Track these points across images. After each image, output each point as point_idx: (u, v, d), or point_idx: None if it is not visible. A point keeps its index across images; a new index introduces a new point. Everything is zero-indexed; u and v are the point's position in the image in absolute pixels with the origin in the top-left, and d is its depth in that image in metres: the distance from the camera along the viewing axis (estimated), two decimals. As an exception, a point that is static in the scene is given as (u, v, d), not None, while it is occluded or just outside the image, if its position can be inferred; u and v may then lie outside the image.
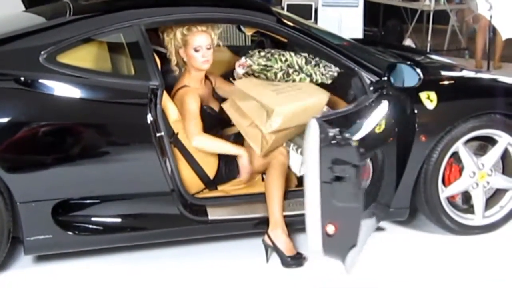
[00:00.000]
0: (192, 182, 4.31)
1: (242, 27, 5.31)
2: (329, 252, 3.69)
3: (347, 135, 3.61)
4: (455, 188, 4.53)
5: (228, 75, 4.77)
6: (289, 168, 4.37)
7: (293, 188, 4.43)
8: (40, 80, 3.94)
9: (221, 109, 4.49)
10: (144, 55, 4.13)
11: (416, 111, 4.32)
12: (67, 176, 3.95)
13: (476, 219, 4.60)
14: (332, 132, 3.58)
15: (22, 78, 3.92)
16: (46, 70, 3.97)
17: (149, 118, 3.98)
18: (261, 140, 4.26)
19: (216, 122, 4.52)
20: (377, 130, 3.93)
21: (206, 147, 4.30)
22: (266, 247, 4.24)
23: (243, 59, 4.52)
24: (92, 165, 4.00)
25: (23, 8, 7.64)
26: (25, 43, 4.12)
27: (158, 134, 4.02)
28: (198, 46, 4.29)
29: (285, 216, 4.22)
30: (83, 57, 4.14)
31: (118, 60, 4.27)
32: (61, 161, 3.94)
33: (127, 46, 4.20)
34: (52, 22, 4.41)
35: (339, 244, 3.67)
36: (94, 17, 4.34)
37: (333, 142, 3.57)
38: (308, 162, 3.60)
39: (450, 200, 4.57)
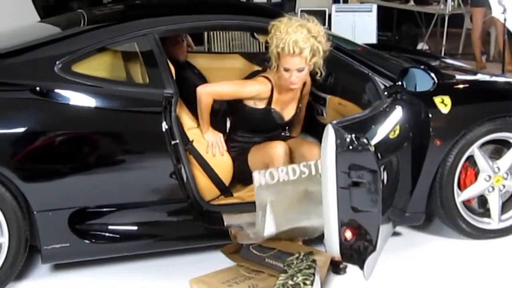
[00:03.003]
0: (207, 189, 4.32)
1: (255, 34, 5.32)
2: (347, 257, 3.69)
3: (364, 140, 3.61)
4: (471, 192, 4.52)
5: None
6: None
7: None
8: (56, 90, 3.96)
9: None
10: (158, 63, 4.15)
11: (430, 116, 4.31)
12: (84, 185, 3.97)
13: (492, 223, 4.58)
14: (349, 137, 3.58)
15: (38, 88, 3.94)
16: (61, 80, 4.00)
17: (164, 126, 4.00)
18: None
19: (270, 126, 4.58)
20: (391, 135, 3.94)
21: (200, 102, 4.37)
22: None
23: None
24: (108, 174, 4.02)
25: (38, 19, 7.70)
26: (40, 53, 4.15)
27: (173, 142, 4.03)
28: (287, 68, 4.24)
29: None
30: (97, 66, 4.17)
31: (132, 69, 4.30)
32: (77, 170, 3.96)
33: (141, 55, 4.23)
34: (66, 32, 4.45)
35: (357, 250, 3.67)
36: (108, 26, 4.38)
37: (350, 147, 3.57)
38: (325, 168, 3.61)
39: (466, 204, 4.55)
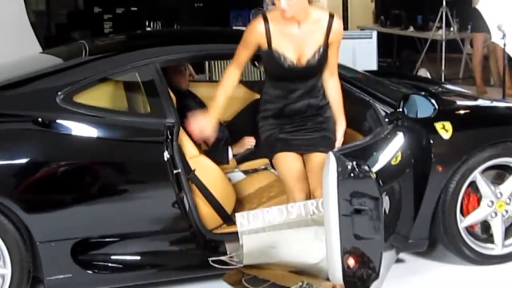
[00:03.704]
0: (210, 218, 4.31)
1: (256, 62, 5.34)
2: (351, 285, 3.68)
3: (365, 167, 3.61)
4: (474, 218, 4.51)
5: (244, 111, 4.79)
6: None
7: None
8: (58, 121, 3.98)
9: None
10: (159, 93, 4.17)
11: (432, 142, 4.32)
12: (86, 215, 3.97)
13: (496, 248, 4.57)
14: (350, 165, 3.59)
15: (40, 119, 3.96)
16: (63, 111, 4.02)
17: (166, 155, 4.00)
18: None
19: (282, 72, 4.18)
20: (393, 162, 3.94)
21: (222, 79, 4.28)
22: None
23: None
24: (110, 204, 4.02)
25: (40, 49, 7.74)
26: (42, 84, 4.18)
27: (175, 171, 4.03)
28: None
29: None
30: (99, 96, 4.19)
31: (134, 99, 4.31)
32: (80, 200, 3.96)
33: (142, 85, 4.25)
34: (68, 62, 4.48)
35: (361, 277, 3.66)
36: (110, 57, 4.41)
37: (351, 175, 3.57)
38: (327, 196, 3.61)
39: (469, 230, 4.54)
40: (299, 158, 4.22)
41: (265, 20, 4.09)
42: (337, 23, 4.15)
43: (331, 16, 4.14)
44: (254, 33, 4.12)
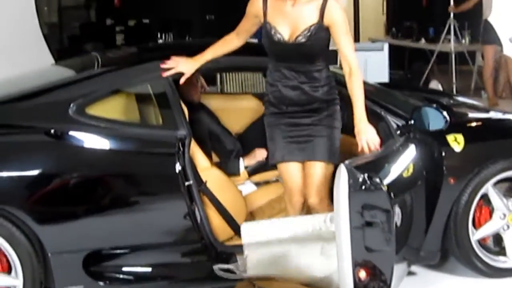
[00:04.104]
0: (221, 230, 4.31)
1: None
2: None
3: (377, 180, 3.61)
4: (486, 231, 4.49)
5: (256, 123, 4.79)
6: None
7: None
8: (70, 132, 4.00)
9: None
10: (171, 105, 4.18)
11: (443, 154, 4.31)
12: (98, 227, 3.98)
13: (508, 261, 4.54)
14: (361, 177, 3.58)
15: (52, 131, 3.98)
16: (76, 122, 4.03)
17: (178, 167, 4.01)
18: None
19: (278, 50, 4.12)
20: (405, 175, 3.93)
21: None
22: None
23: None
24: (122, 215, 4.03)
25: (53, 62, 7.77)
26: (55, 96, 4.19)
27: (187, 183, 4.04)
28: None
29: None
30: (111, 108, 4.20)
31: (146, 111, 4.32)
32: (92, 212, 3.97)
33: (154, 97, 4.26)
34: (81, 74, 4.50)
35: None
36: (122, 69, 4.42)
37: (363, 187, 3.57)
38: (338, 208, 3.60)
39: (481, 242, 4.53)
40: (299, 167, 4.22)
41: None
42: (332, 4, 4.02)
43: None
44: (253, 4, 4.15)
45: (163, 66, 4.22)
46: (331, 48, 4.13)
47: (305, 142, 4.16)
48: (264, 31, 4.11)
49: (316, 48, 4.07)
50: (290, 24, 4.04)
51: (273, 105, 4.20)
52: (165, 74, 4.22)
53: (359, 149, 3.98)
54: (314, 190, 4.13)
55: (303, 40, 4.01)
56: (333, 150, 4.16)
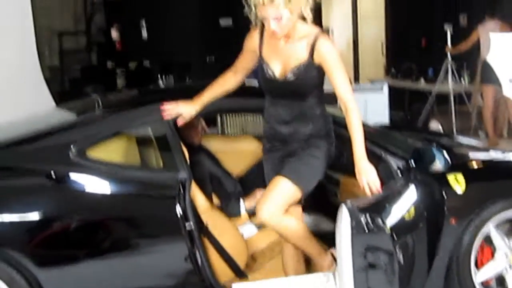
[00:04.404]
0: (222, 272, 4.30)
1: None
2: None
3: (379, 221, 3.60)
4: (488, 272, 4.46)
5: (256, 165, 4.78)
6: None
7: None
8: (71, 175, 4.00)
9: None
10: (172, 147, 4.19)
11: (444, 194, 4.30)
12: (99, 270, 3.97)
13: (512, 302, 4.52)
14: (364, 218, 3.58)
15: (53, 174, 3.98)
16: (76, 165, 4.04)
17: (178, 210, 4.01)
18: None
19: (272, 87, 4.13)
20: (407, 217, 3.92)
21: None
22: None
23: None
24: (123, 258, 4.01)
25: (54, 104, 7.80)
26: (56, 139, 4.21)
27: (187, 226, 4.03)
28: (263, 17, 3.92)
29: None
30: (112, 151, 4.21)
31: (146, 153, 4.34)
32: (92, 255, 3.96)
33: (155, 139, 4.27)
34: (81, 117, 4.52)
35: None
36: (123, 111, 4.44)
37: (365, 229, 3.56)
38: (340, 250, 3.59)
39: (485, 284, 4.50)
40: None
41: (262, 29, 4.09)
42: (322, 42, 3.96)
43: (318, 34, 3.98)
44: (250, 39, 4.17)
45: (162, 108, 4.23)
46: (327, 89, 4.13)
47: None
48: (259, 67, 4.14)
49: (306, 85, 4.04)
50: (282, 60, 4.05)
51: (268, 141, 4.23)
52: (166, 116, 4.24)
53: (361, 188, 3.96)
54: (265, 203, 4.01)
55: (292, 77, 4.01)
56: (304, 175, 4.08)
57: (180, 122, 4.27)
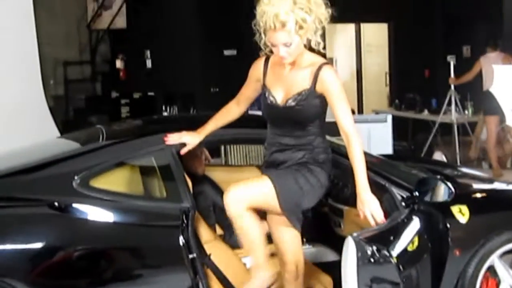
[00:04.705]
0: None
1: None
2: None
3: (385, 252, 3.59)
4: (494, 303, 4.45)
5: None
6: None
7: None
8: (74, 205, 3.99)
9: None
10: (175, 177, 4.19)
11: (448, 226, 4.29)
12: (101, 300, 3.95)
13: (517, 335, 4.48)
14: (370, 249, 3.56)
15: (56, 203, 3.97)
16: (79, 195, 4.03)
17: (181, 240, 3.99)
18: None
19: (274, 115, 4.09)
20: (410, 248, 3.90)
21: None
22: None
23: None
24: (125, 288, 4.00)
25: (58, 134, 7.82)
26: (59, 168, 4.21)
27: (190, 256, 4.01)
28: (273, 43, 3.87)
29: None
30: (115, 180, 4.21)
31: (150, 183, 4.33)
32: (95, 285, 3.95)
33: (158, 169, 4.27)
34: (85, 147, 4.52)
35: None
36: (126, 141, 4.44)
37: (371, 260, 3.55)
38: (346, 282, 3.57)
39: (490, 315, 4.48)
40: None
41: (267, 58, 4.10)
42: (326, 71, 3.93)
43: (323, 64, 3.96)
44: (255, 67, 4.15)
45: (166, 139, 4.24)
46: (331, 119, 4.12)
47: None
48: (262, 94, 4.12)
49: (306, 113, 3.98)
50: (285, 88, 4.02)
51: (266, 168, 4.16)
52: (168, 143, 4.23)
53: (361, 217, 3.90)
54: (236, 187, 3.94)
55: (293, 103, 3.96)
56: (288, 187, 3.95)
57: (183, 152, 4.27)
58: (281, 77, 4.04)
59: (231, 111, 4.32)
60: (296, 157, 4.02)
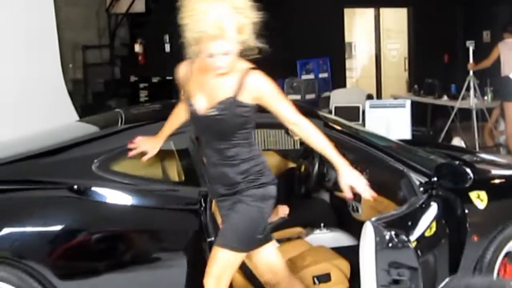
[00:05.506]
0: (242, 285, 4.29)
1: (289, 131, 5.36)
2: None
3: (403, 237, 3.59)
4: (511, 289, 4.43)
5: (279, 179, 4.79)
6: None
7: None
8: (93, 188, 4.01)
9: None
10: (194, 161, 4.20)
11: (467, 211, 4.28)
12: (120, 283, 3.97)
13: (534, 320, 4.47)
14: (388, 234, 3.56)
15: (76, 186, 3.99)
16: (99, 178, 4.05)
17: (200, 223, 4.01)
18: None
19: (199, 126, 3.83)
20: (427, 233, 3.90)
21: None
22: None
23: None
24: (144, 271, 4.02)
25: (77, 118, 7.85)
26: (79, 152, 4.22)
27: (208, 239, 4.03)
28: (212, 53, 3.52)
29: None
30: (134, 164, 4.22)
31: (168, 167, 4.35)
32: (114, 267, 3.97)
33: (177, 153, 4.29)
34: (104, 131, 4.53)
35: None
36: (145, 125, 4.45)
37: (389, 244, 3.55)
38: (364, 266, 3.58)
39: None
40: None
41: (192, 63, 3.76)
42: (253, 78, 3.59)
43: (248, 70, 3.62)
44: (179, 73, 3.83)
45: (130, 145, 4.11)
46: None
47: None
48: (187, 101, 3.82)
49: (228, 123, 3.64)
50: (207, 96, 3.67)
51: (209, 183, 3.92)
52: (130, 154, 4.11)
53: (348, 196, 3.68)
54: (206, 277, 3.71)
55: (214, 112, 3.63)
56: (232, 237, 3.71)
57: (144, 160, 4.12)
58: (204, 83, 3.69)
59: (181, 113, 4.05)
60: (230, 177, 3.72)
